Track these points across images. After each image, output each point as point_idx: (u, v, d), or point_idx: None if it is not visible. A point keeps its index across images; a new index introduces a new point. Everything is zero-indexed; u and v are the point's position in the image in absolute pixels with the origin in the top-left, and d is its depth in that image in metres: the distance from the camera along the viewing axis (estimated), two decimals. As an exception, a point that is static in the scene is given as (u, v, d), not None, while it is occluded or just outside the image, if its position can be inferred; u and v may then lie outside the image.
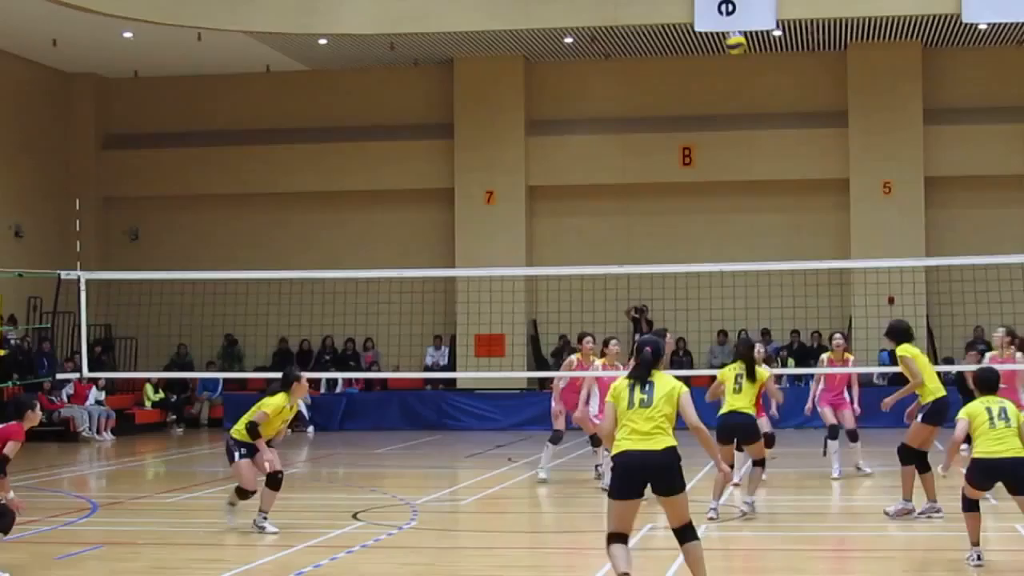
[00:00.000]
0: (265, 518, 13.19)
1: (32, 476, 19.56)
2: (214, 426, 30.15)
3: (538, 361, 29.78)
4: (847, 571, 11.67)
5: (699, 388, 26.35)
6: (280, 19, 27.74)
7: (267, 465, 13.24)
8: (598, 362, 16.46)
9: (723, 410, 14.38)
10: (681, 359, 29.50)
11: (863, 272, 26.59)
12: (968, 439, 11.13)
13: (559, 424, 17.29)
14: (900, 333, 14.03)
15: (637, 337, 29.45)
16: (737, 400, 14.25)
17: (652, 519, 14.20)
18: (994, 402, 11.17)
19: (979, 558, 10.93)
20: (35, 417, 11.48)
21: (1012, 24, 27.32)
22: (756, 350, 15.33)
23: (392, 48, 29.30)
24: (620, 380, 9.47)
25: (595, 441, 16.80)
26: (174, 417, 30.46)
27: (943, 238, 29.13)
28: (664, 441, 9.11)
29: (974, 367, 14.64)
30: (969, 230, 29.26)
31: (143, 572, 11.53)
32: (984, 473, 10.99)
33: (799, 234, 29.68)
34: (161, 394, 30.46)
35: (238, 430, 13.47)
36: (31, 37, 28.41)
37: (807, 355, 28.06)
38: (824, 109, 30.26)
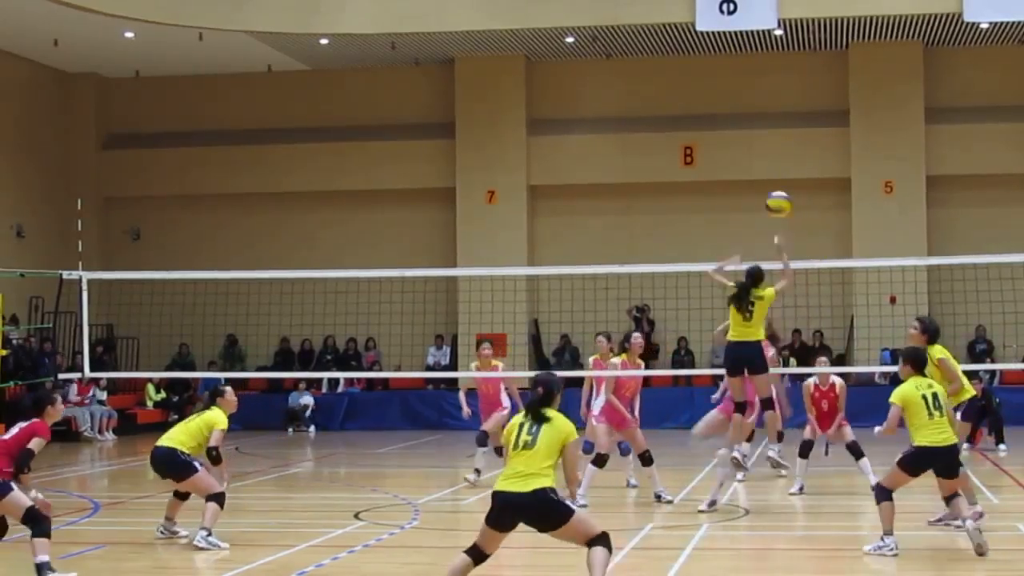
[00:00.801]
0: (209, 533, 12.41)
1: (34, 476, 19.49)
2: (216, 426, 30.12)
3: (540, 361, 29.76)
4: (848, 571, 11.67)
5: (701, 388, 26.42)
6: (281, 19, 27.75)
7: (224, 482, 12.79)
8: (616, 360, 15.82)
9: (730, 337, 14.50)
10: (683, 359, 29.53)
11: (864, 271, 26.56)
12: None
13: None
14: (936, 333, 13.39)
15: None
16: (744, 328, 14.37)
17: (651, 519, 14.22)
18: (925, 387, 11.84)
19: (895, 547, 11.51)
20: (57, 412, 11.36)
21: (1013, 23, 27.31)
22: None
23: (393, 48, 29.30)
24: (515, 418, 9.35)
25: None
26: (176, 417, 30.32)
27: (945, 237, 29.13)
28: (536, 483, 8.96)
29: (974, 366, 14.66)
30: (971, 229, 29.25)
31: (145, 572, 11.54)
32: (922, 460, 11.68)
33: (800, 233, 29.56)
34: (163, 394, 30.46)
35: (191, 448, 12.69)
36: (32, 37, 28.41)
37: (809, 354, 28.02)
38: (825, 108, 30.25)
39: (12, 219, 29.99)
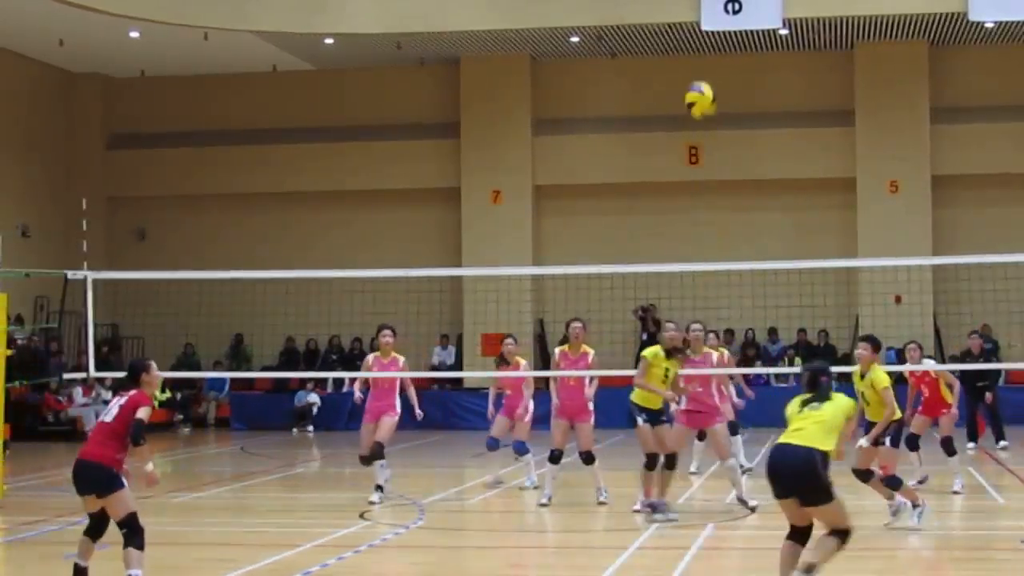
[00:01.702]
0: None
1: (39, 475, 19.60)
2: (221, 426, 30.19)
3: (545, 360, 29.72)
4: (848, 570, 11.66)
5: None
6: (286, 19, 27.76)
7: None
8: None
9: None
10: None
11: (870, 271, 26.54)
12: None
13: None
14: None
15: (644, 337, 29.64)
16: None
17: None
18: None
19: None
20: (153, 379, 10.47)
21: (1019, 22, 27.27)
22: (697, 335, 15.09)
23: (398, 47, 29.30)
24: (796, 398, 9.59)
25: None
26: (181, 417, 30.48)
27: (950, 237, 29.10)
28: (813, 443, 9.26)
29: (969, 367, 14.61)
30: (976, 228, 29.22)
31: (150, 571, 11.51)
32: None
33: (806, 233, 29.63)
34: (168, 394, 30.47)
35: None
36: (37, 37, 28.43)
37: (814, 354, 28.02)
38: (831, 108, 30.23)
39: (17, 219, 29.99)
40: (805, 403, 9.50)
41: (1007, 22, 27.20)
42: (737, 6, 26.01)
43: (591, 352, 15.27)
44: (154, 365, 10.54)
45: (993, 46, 29.75)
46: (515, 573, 11.56)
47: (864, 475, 13.17)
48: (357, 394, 16.18)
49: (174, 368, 30.24)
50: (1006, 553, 11.68)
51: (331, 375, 29.40)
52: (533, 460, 16.79)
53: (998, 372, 26.27)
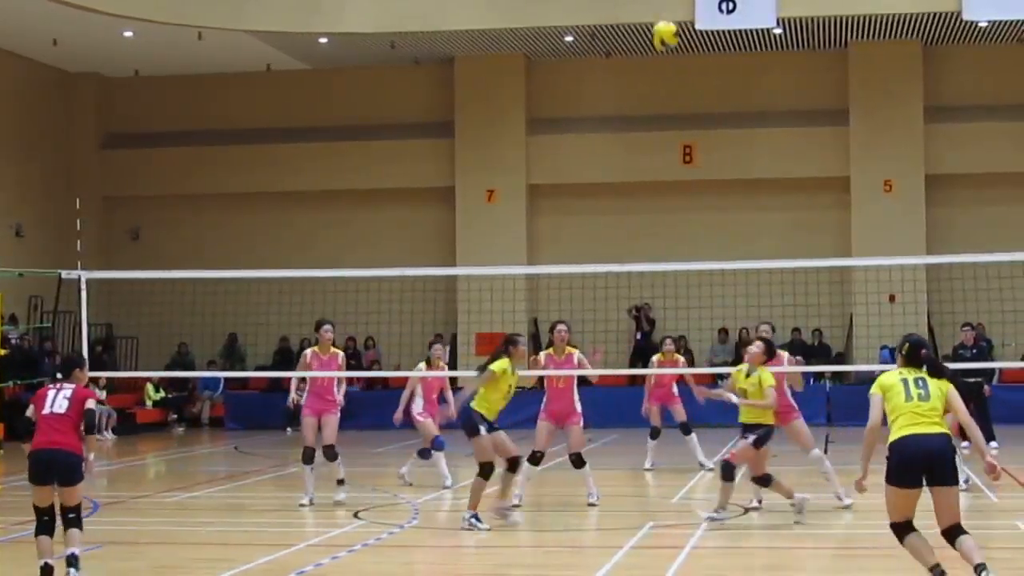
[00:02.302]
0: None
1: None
2: (215, 425, 30.17)
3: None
4: (847, 569, 11.67)
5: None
6: (281, 18, 27.75)
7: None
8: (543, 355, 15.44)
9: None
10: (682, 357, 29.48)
11: (864, 270, 26.58)
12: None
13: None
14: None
15: (638, 336, 29.66)
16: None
17: (652, 517, 14.21)
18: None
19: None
20: (84, 375, 10.87)
21: (1012, 21, 27.31)
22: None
23: (393, 47, 29.30)
24: (894, 375, 9.30)
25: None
26: (175, 416, 30.46)
27: (944, 236, 29.14)
28: (941, 428, 9.20)
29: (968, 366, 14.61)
30: (970, 228, 29.27)
31: (144, 571, 11.53)
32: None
33: (800, 232, 29.65)
34: (162, 393, 30.46)
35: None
36: (32, 36, 28.41)
37: (809, 353, 28.03)
38: (825, 107, 30.25)
39: (11, 218, 29.98)
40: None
41: (1000, 21, 27.24)
42: (731, 5, 26.02)
43: (576, 352, 15.28)
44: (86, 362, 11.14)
45: (987, 45, 29.78)
46: (509, 573, 11.56)
47: (763, 480, 13.50)
48: (292, 396, 15.99)
49: (168, 367, 30.26)
50: (1003, 552, 11.69)
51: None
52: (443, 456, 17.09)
53: (992, 370, 26.27)
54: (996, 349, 28.12)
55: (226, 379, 30.37)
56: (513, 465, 13.55)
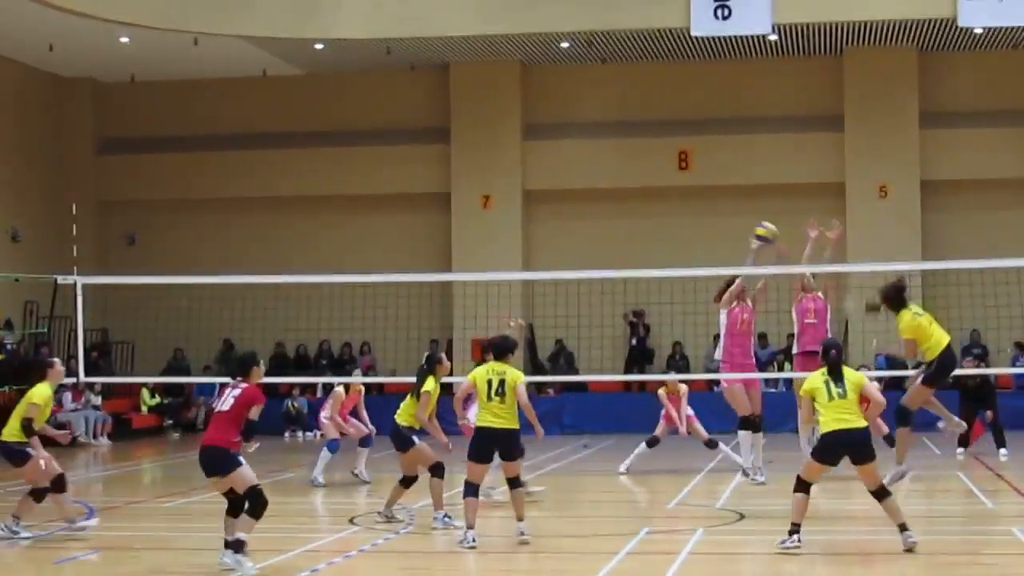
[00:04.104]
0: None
1: (29, 481, 19.51)
2: (211, 430, 30.10)
3: (534, 365, 29.75)
4: (839, 574, 11.68)
5: (696, 392, 26.42)
6: (276, 23, 27.75)
7: (43, 463, 13.04)
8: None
9: None
10: (677, 363, 29.52)
11: (859, 275, 26.56)
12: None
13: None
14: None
15: (634, 342, 29.67)
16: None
17: (649, 523, 14.22)
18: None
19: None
20: (260, 372, 11.59)
21: (1007, 28, 27.35)
22: None
23: (388, 52, 29.31)
24: (819, 377, 11.98)
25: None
26: (171, 422, 30.43)
27: (939, 241, 29.17)
28: (862, 423, 11.92)
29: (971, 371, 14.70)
30: (965, 233, 29.29)
31: (140, 577, 11.52)
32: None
33: (795, 237, 29.59)
34: (158, 399, 30.44)
35: (14, 430, 13.18)
36: (28, 41, 28.40)
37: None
38: (820, 113, 30.28)
39: (7, 223, 29.96)
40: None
41: (996, 28, 27.28)
42: (727, 12, 26.05)
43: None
44: (260, 361, 11.70)
45: (982, 52, 29.83)
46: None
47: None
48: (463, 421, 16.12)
49: (164, 373, 30.24)
50: (1000, 558, 11.71)
51: (321, 380, 29.34)
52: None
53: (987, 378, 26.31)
54: (991, 355, 28.16)
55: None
56: (441, 471, 14.19)
